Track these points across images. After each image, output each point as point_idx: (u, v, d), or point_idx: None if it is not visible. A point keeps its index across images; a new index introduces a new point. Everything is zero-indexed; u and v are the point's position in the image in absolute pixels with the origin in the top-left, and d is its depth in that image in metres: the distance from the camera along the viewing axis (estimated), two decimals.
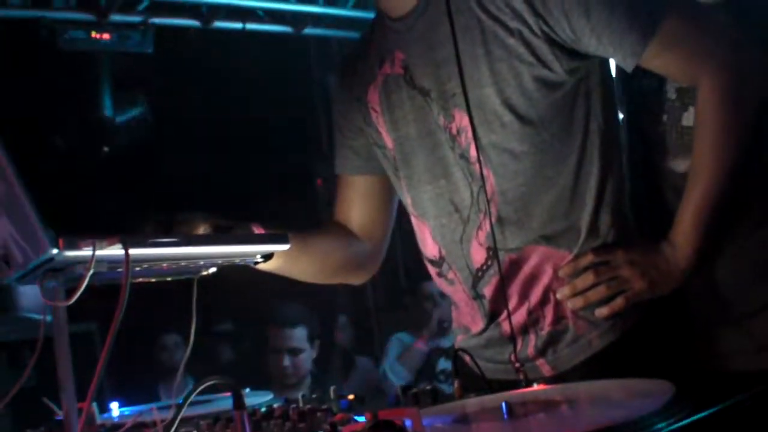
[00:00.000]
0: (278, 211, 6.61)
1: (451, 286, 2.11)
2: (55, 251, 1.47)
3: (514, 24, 1.89)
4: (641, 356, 1.92)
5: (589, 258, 1.92)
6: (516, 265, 1.97)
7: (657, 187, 2.06)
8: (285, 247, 1.73)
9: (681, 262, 1.89)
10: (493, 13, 1.91)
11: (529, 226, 1.95)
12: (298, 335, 5.54)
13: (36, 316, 1.44)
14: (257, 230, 2.00)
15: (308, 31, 7.15)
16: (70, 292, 1.53)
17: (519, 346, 1.98)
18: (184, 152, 6.56)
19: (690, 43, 1.89)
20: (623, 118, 2.12)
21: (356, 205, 2.28)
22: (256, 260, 1.86)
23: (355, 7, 7.03)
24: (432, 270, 2.15)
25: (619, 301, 1.91)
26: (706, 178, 1.87)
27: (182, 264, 1.69)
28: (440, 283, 2.15)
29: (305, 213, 7.32)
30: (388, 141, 2.12)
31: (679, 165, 2.00)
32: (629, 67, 1.89)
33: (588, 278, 1.91)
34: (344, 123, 2.26)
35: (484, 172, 1.94)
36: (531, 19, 1.88)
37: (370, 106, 2.14)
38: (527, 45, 1.89)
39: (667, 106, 2.04)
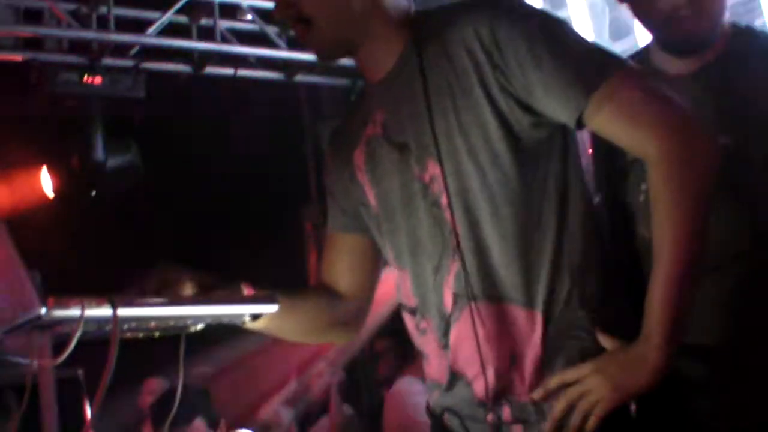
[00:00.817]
0: (267, 256, 6.60)
1: (423, 336, 2.12)
2: (43, 310, 1.47)
3: (476, 76, 1.93)
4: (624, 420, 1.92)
5: (557, 380, 1.89)
6: (485, 318, 1.96)
7: (642, 256, 2.06)
8: (274, 308, 1.74)
9: (651, 354, 1.81)
10: (459, 67, 1.95)
11: (493, 277, 1.96)
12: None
13: (22, 360, 1.44)
14: (247, 290, 2.01)
15: (299, 78, 7.21)
16: (57, 346, 1.54)
17: (493, 410, 1.98)
18: (173, 197, 6.57)
19: (636, 104, 1.86)
20: (603, 196, 2.16)
21: (343, 264, 2.31)
22: (244, 320, 1.87)
23: None
24: (410, 323, 2.16)
25: (591, 423, 1.85)
26: (666, 264, 1.81)
27: (170, 323, 1.70)
28: (414, 336, 2.16)
29: (294, 257, 7.31)
30: (371, 198, 2.16)
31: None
32: (572, 121, 1.89)
33: (561, 406, 1.87)
34: (333, 184, 2.31)
35: (453, 218, 1.97)
36: (489, 72, 1.92)
37: (356, 165, 2.19)
38: (488, 97, 1.93)
39: (647, 176, 2.02)
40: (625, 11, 2.28)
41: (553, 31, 1.93)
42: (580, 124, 1.89)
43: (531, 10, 2.03)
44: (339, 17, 2.02)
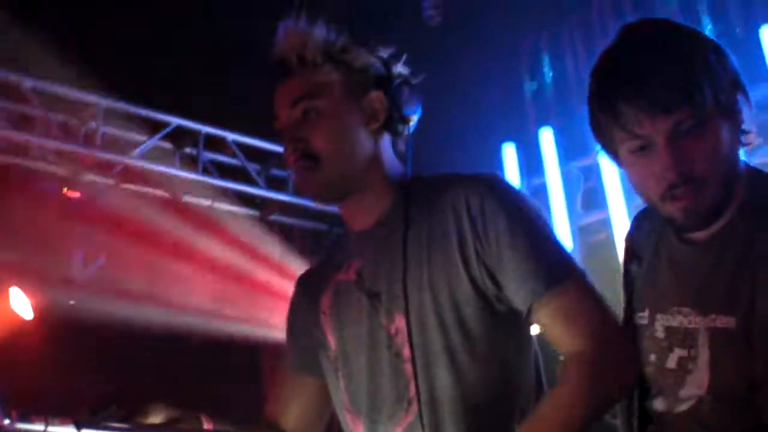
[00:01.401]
0: (222, 395, 6.50)
1: None
2: (6, 421, 1.48)
3: (456, 237, 2.01)
4: None
5: None
6: None
7: (641, 423, 2.03)
8: None
9: None
10: (442, 225, 2.03)
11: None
12: None
13: None
14: (206, 423, 2.02)
15: (274, 217, 7.31)
16: None
17: None
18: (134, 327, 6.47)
19: (576, 311, 1.97)
20: None
21: (294, 406, 2.32)
22: None
23: None
24: None
25: None
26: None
27: None
28: None
29: (250, 398, 7.18)
30: (332, 342, 2.19)
31: (659, 404, 1.98)
32: (524, 307, 1.97)
33: None
34: (295, 325, 2.34)
35: (411, 371, 2.01)
36: (470, 237, 2.00)
37: (321, 309, 2.23)
38: (464, 259, 2.00)
39: (655, 346, 2.00)
40: (599, 183, 2.23)
41: (534, 222, 2.03)
42: (528, 311, 1.97)
43: (521, 196, 2.12)
44: (345, 161, 2.10)
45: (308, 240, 7.72)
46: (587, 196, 6.40)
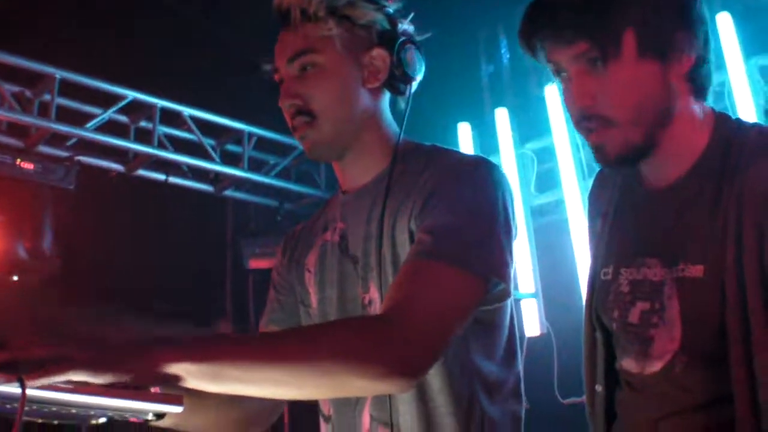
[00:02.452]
0: None
1: None
2: None
3: (408, 216, 2.00)
4: None
5: None
6: None
7: (608, 383, 2.00)
8: (179, 409, 1.75)
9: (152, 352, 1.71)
10: (410, 202, 2.01)
11: (410, 401, 1.98)
12: None
13: None
14: (153, 387, 2.01)
15: (228, 193, 7.33)
16: None
17: None
18: (87, 293, 6.46)
19: (430, 295, 1.82)
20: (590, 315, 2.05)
21: None
22: (147, 418, 1.87)
23: (278, 176, 7.20)
24: (322, 428, 2.19)
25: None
26: (265, 352, 1.72)
27: (72, 411, 1.70)
28: None
29: None
30: (314, 300, 2.20)
31: (629, 365, 1.93)
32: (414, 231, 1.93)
33: None
34: (279, 281, 2.34)
35: None
36: (417, 215, 1.97)
37: (306, 267, 2.24)
38: (411, 239, 1.98)
39: (618, 301, 1.95)
40: (553, 165, 2.15)
41: (483, 210, 1.94)
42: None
43: (492, 189, 1.99)
44: (341, 119, 2.07)
45: (261, 215, 7.73)
46: (541, 177, 6.44)
